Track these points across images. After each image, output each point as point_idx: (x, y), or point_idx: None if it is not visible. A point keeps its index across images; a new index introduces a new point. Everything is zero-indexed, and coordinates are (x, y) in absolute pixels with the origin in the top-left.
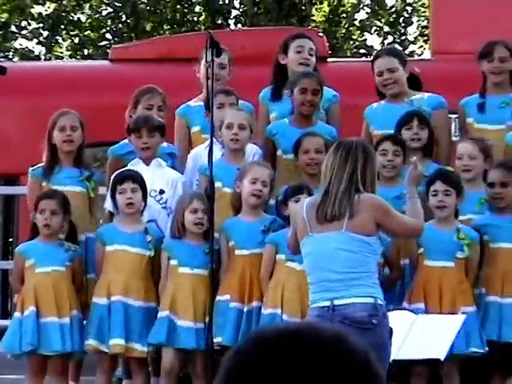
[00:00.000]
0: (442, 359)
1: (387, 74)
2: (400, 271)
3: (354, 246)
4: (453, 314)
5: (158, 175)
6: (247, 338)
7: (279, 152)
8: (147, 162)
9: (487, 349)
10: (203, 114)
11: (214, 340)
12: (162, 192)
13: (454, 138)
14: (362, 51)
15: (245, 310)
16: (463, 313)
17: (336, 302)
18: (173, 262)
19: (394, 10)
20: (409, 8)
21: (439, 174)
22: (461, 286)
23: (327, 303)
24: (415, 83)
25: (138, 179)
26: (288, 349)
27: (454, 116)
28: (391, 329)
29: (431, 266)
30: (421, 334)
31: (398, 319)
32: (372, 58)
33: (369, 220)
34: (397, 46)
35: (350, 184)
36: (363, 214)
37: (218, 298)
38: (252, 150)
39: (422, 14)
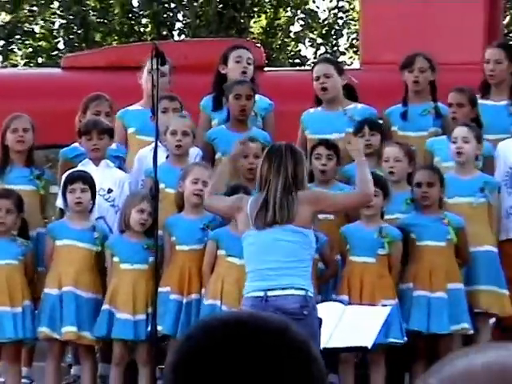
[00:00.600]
0: (370, 347)
1: (323, 79)
2: (335, 268)
3: (293, 236)
4: (371, 305)
5: (106, 175)
6: (195, 326)
7: (218, 155)
8: (96, 162)
9: (406, 339)
10: (141, 117)
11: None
12: (110, 191)
13: None
14: (297, 61)
15: (184, 301)
16: (383, 305)
17: (269, 294)
18: (115, 259)
19: (326, 23)
20: (340, 21)
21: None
22: (381, 281)
23: (261, 294)
24: (351, 93)
25: (88, 180)
26: (234, 337)
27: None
28: (320, 319)
29: (354, 261)
30: (350, 324)
31: (328, 310)
32: (311, 67)
33: (307, 214)
34: (328, 56)
35: (286, 190)
36: (301, 211)
37: (160, 289)
38: (194, 153)
39: (352, 27)
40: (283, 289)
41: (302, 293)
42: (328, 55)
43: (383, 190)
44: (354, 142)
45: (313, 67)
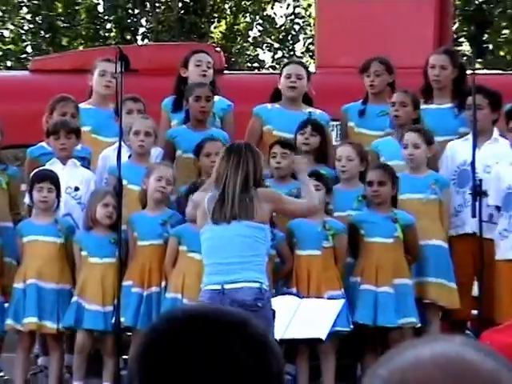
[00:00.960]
0: (324, 338)
1: (294, 78)
2: (291, 263)
3: (249, 232)
4: (319, 297)
5: (73, 174)
6: (160, 318)
7: (179, 152)
8: (64, 161)
9: (352, 327)
10: (93, 116)
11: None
12: (76, 189)
13: (334, 143)
14: (255, 65)
15: (144, 294)
16: (329, 297)
17: (226, 286)
18: (83, 253)
19: (283, 28)
20: (296, 27)
21: (312, 174)
22: (327, 273)
23: (218, 287)
24: (307, 100)
25: (54, 180)
26: (197, 329)
27: (335, 123)
28: (274, 311)
29: (300, 254)
30: (305, 316)
31: (284, 303)
32: (283, 65)
33: (265, 210)
34: (285, 60)
35: (245, 187)
36: (260, 206)
37: (123, 283)
38: (156, 152)
39: (308, 33)
40: (239, 282)
41: (256, 285)
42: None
43: (326, 186)
44: (298, 161)
45: (284, 66)
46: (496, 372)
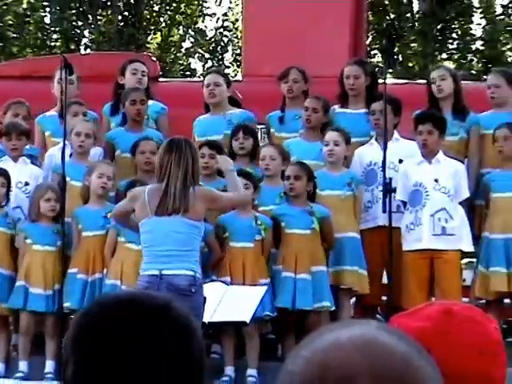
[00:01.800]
0: (248, 322)
1: (212, 86)
2: (219, 254)
3: (185, 228)
4: (254, 285)
5: (23, 170)
6: (92, 302)
7: (118, 152)
8: (15, 159)
9: (276, 314)
10: (55, 122)
11: (64, 305)
12: (26, 184)
13: (261, 144)
14: (188, 73)
15: (89, 280)
16: (262, 284)
17: (164, 272)
18: (28, 241)
19: (213, 40)
20: (225, 39)
21: (240, 173)
22: (258, 263)
23: (156, 272)
24: (236, 103)
25: (6, 177)
26: (124, 312)
27: (260, 126)
28: (205, 297)
29: (234, 246)
30: (231, 301)
31: (213, 289)
32: (204, 75)
33: (201, 209)
34: (220, 68)
35: (185, 181)
36: (197, 205)
37: (69, 270)
38: (97, 152)
39: (236, 44)
40: (176, 269)
41: (191, 273)
42: (219, 68)
43: (253, 183)
44: (221, 160)
45: (205, 76)
46: (408, 354)
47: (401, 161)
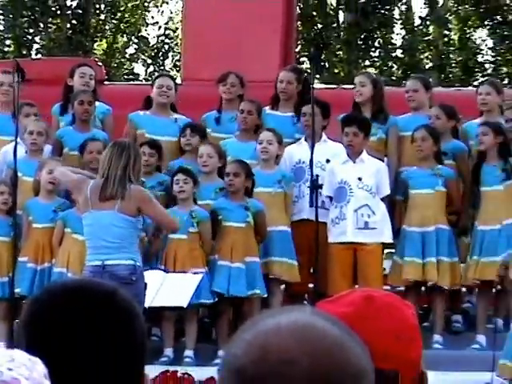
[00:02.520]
0: (185, 307)
1: (165, 88)
2: (159, 244)
3: (122, 223)
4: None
5: None
6: (42, 290)
7: (66, 150)
8: None
9: (214, 299)
10: (4, 122)
11: (15, 290)
12: None
13: None
14: (131, 77)
15: (38, 268)
16: (195, 273)
17: (106, 262)
18: None
19: (155, 47)
20: (166, 46)
21: (180, 169)
22: (192, 253)
23: (99, 263)
24: (172, 107)
25: None
26: (71, 299)
27: None
28: (146, 284)
29: (171, 237)
30: (170, 288)
31: (153, 276)
32: (155, 77)
33: (134, 206)
34: (156, 73)
35: (124, 173)
36: (131, 201)
37: (19, 259)
38: (48, 149)
39: (176, 51)
40: (117, 259)
41: (131, 262)
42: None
43: (192, 178)
44: None
45: (156, 78)
46: (340, 337)
47: (328, 161)
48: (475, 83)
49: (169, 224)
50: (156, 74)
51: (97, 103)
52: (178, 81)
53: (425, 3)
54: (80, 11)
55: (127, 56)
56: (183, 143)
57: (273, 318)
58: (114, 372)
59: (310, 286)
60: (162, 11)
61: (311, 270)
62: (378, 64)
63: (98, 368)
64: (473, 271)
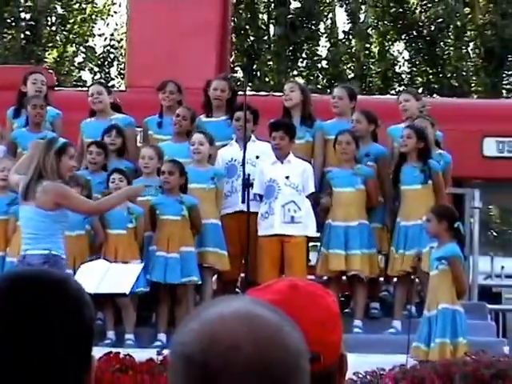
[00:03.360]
0: (127, 293)
1: (96, 95)
2: (101, 237)
3: (39, 216)
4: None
5: None
6: None
7: (20, 150)
8: None
9: (149, 288)
10: None
11: None
12: None
13: (138, 144)
14: (79, 84)
15: None
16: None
17: (26, 252)
18: None
19: (101, 56)
20: (111, 55)
21: (115, 170)
22: (131, 247)
23: (23, 253)
24: (117, 108)
25: None
26: (24, 287)
27: (139, 129)
28: (69, 272)
29: (110, 233)
30: (113, 276)
31: (98, 266)
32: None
33: (50, 201)
34: (103, 80)
35: (36, 173)
36: (48, 196)
37: None
38: (2, 149)
39: (121, 60)
40: (32, 249)
41: (45, 252)
42: (102, 80)
43: (127, 178)
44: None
45: (89, 87)
46: (280, 323)
47: (257, 157)
48: (393, 92)
49: (88, 210)
50: (102, 81)
51: (48, 107)
52: (123, 88)
53: (348, 19)
54: (33, 23)
55: (76, 64)
56: (107, 142)
57: (216, 307)
58: (65, 356)
59: (242, 274)
60: (108, 23)
61: (243, 261)
62: (304, 74)
63: (49, 353)
64: (399, 264)
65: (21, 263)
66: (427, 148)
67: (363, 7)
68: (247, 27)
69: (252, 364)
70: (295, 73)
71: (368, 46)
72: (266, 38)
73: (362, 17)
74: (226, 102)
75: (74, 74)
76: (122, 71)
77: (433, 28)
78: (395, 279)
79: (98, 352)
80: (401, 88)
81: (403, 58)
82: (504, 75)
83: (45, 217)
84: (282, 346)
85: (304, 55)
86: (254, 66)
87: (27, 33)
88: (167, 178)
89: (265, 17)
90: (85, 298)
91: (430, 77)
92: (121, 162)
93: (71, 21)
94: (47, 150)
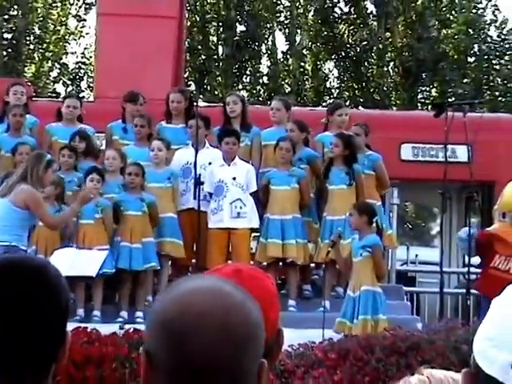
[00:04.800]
0: (94, 276)
1: (71, 108)
2: (71, 228)
3: (6, 209)
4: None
5: None
6: None
7: (2, 152)
8: None
9: (114, 270)
10: None
11: None
12: None
13: (102, 148)
14: (54, 95)
15: None
16: (100, 249)
17: None
18: None
19: (73, 71)
20: (82, 70)
21: (92, 169)
22: (97, 235)
23: None
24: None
25: None
26: (8, 272)
27: (102, 135)
28: None
29: (81, 222)
30: (81, 261)
31: (68, 252)
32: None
33: (22, 202)
34: (74, 92)
35: (20, 178)
36: (21, 195)
37: None
38: None
39: (90, 74)
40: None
41: (5, 243)
42: (73, 92)
43: (101, 176)
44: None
45: (64, 98)
46: (243, 296)
47: (210, 163)
48: (324, 104)
49: (47, 223)
50: (73, 92)
51: (27, 115)
52: (91, 98)
53: (285, 41)
54: (14, 42)
55: (51, 78)
56: (73, 146)
57: (189, 282)
58: (46, 331)
59: (193, 261)
60: (80, 43)
61: (194, 249)
62: (248, 88)
63: (32, 329)
64: (325, 252)
65: None
66: (352, 154)
67: (299, 31)
68: (199, 47)
69: (218, 330)
70: (240, 87)
71: (303, 64)
72: (215, 56)
73: (297, 39)
74: (185, 110)
75: (49, 86)
76: (90, 84)
77: (358, 49)
78: (323, 265)
79: (69, 327)
80: (330, 101)
81: (333, 75)
82: (419, 91)
83: (14, 212)
84: (244, 317)
85: (248, 72)
86: (205, 81)
87: (9, 50)
88: (133, 178)
89: (214, 38)
90: (62, 281)
91: (356, 91)
92: (88, 163)
93: (47, 40)
94: (37, 162)
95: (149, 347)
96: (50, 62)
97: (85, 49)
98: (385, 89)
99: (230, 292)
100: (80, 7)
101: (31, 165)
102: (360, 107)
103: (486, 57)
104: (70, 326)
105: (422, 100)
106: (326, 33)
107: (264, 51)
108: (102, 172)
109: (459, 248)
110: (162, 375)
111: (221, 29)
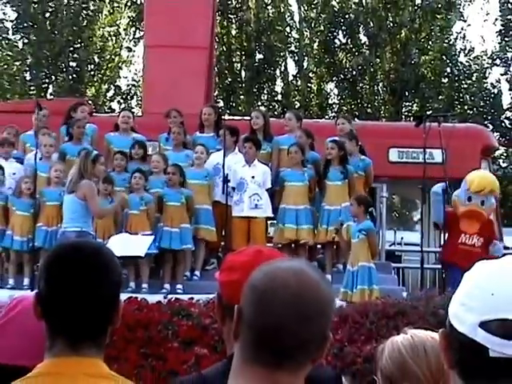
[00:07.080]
0: (143, 256)
1: (126, 118)
2: (122, 217)
3: (77, 204)
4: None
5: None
6: (55, 245)
7: (68, 156)
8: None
9: (157, 251)
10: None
11: (35, 244)
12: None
13: (150, 152)
14: (110, 111)
15: (49, 230)
16: (144, 235)
17: (66, 229)
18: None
19: (125, 92)
20: (132, 91)
21: (136, 170)
22: (142, 223)
23: (63, 229)
24: (133, 129)
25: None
26: (75, 251)
27: (152, 143)
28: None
29: (130, 213)
30: (132, 243)
31: (121, 237)
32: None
33: (82, 194)
34: (127, 109)
35: (77, 174)
36: (81, 190)
37: (37, 224)
38: (55, 156)
39: (139, 94)
40: (72, 227)
41: (78, 229)
42: (127, 108)
43: (145, 176)
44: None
45: (120, 112)
46: (320, 279)
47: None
48: (327, 116)
49: (94, 212)
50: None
51: (88, 125)
52: (140, 113)
53: (295, 66)
54: (78, 69)
55: (108, 98)
56: (133, 153)
57: (279, 262)
58: (102, 300)
59: (222, 243)
60: (130, 69)
61: (223, 233)
62: (266, 104)
63: (95, 295)
64: (324, 235)
65: (61, 236)
66: (345, 156)
67: (306, 58)
68: (226, 72)
69: (295, 300)
70: (259, 103)
71: (309, 85)
72: (239, 79)
73: (305, 64)
74: (214, 122)
75: (106, 104)
76: (139, 102)
77: (354, 73)
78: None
79: (122, 296)
80: (332, 114)
81: (334, 93)
82: (403, 106)
83: (79, 204)
84: (318, 294)
85: (265, 91)
86: (231, 99)
87: (74, 75)
88: (172, 176)
89: (238, 65)
90: (115, 260)
91: (353, 106)
92: (141, 165)
93: (104, 67)
94: (86, 159)
95: (241, 306)
96: (106, 84)
97: (134, 74)
98: (376, 104)
99: (308, 272)
100: (130, 40)
101: (82, 162)
102: (356, 119)
103: (456, 78)
104: (124, 296)
105: (406, 113)
106: (328, 59)
107: (278, 74)
108: (145, 172)
109: (431, 200)
110: (247, 327)
111: (243, 57)
